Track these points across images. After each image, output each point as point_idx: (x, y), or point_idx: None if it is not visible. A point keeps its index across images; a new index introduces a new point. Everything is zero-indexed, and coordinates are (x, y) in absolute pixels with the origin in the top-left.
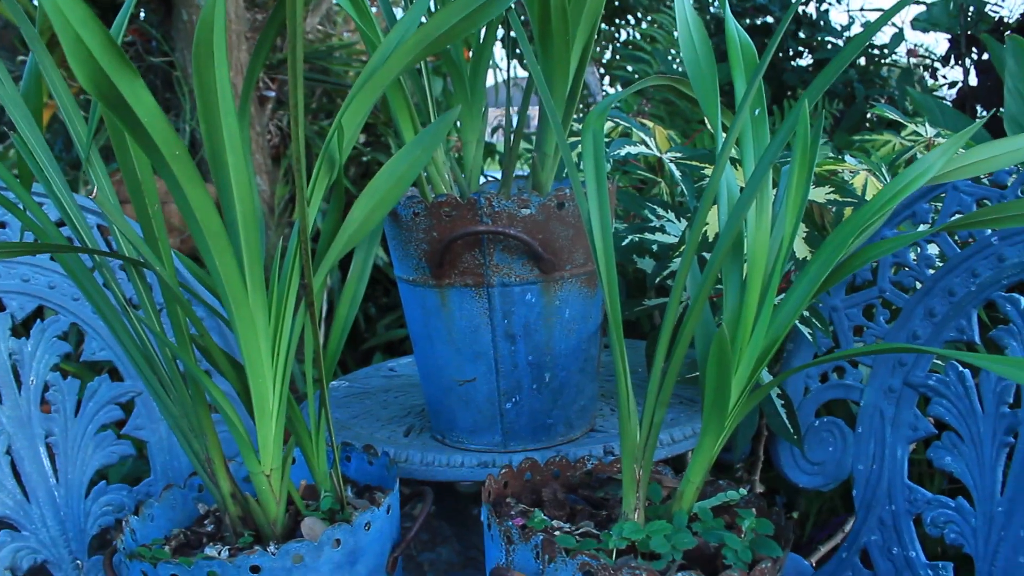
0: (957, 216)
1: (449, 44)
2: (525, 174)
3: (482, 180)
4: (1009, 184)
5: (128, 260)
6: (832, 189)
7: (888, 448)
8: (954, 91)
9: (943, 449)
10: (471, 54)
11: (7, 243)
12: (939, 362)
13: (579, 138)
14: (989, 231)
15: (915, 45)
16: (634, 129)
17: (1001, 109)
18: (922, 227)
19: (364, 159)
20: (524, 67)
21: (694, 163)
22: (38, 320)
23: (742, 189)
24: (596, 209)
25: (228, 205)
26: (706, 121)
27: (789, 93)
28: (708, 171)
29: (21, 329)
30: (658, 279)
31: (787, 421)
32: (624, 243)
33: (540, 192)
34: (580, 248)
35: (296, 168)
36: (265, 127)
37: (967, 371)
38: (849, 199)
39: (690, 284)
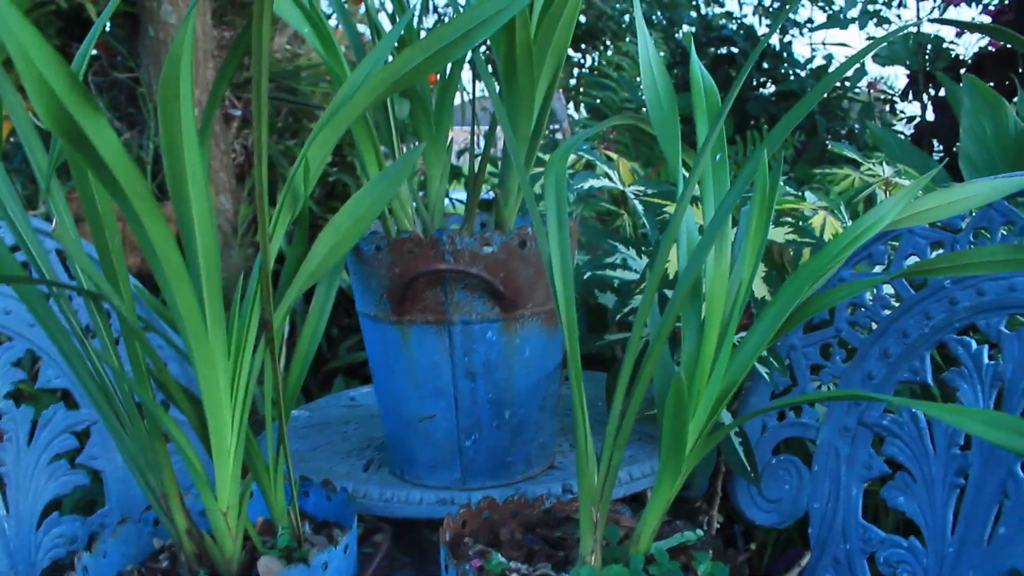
0: (912, 260)
1: (414, 81)
2: (490, 196)
3: (446, 202)
4: (963, 227)
5: (86, 293)
6: (791, 229)
7: (843, 487)
8: (912, 126)
9: (896, 489)
10: (436, 87)
11: None
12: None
13: (544, 168)
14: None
15: (876, 78)
16: (598, 162)
17: (957, 145)
18: (878, 268)
19: (330, 179)
20: (472, 98)
21: (656, 200)
22: None
23: (701, 228)
24: (557, 251)
25: (189, 240)
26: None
27: (752, 122)
28: (670, 209)
29: None
30: (618, 316)
31: (744, 459)
32: (586, 277)
33: (503, 228)
34: (541, 286)
35: (259, 206)
36: (230, 145)
37: (920, 413)
38: (807, 239)
39: (650, 323)
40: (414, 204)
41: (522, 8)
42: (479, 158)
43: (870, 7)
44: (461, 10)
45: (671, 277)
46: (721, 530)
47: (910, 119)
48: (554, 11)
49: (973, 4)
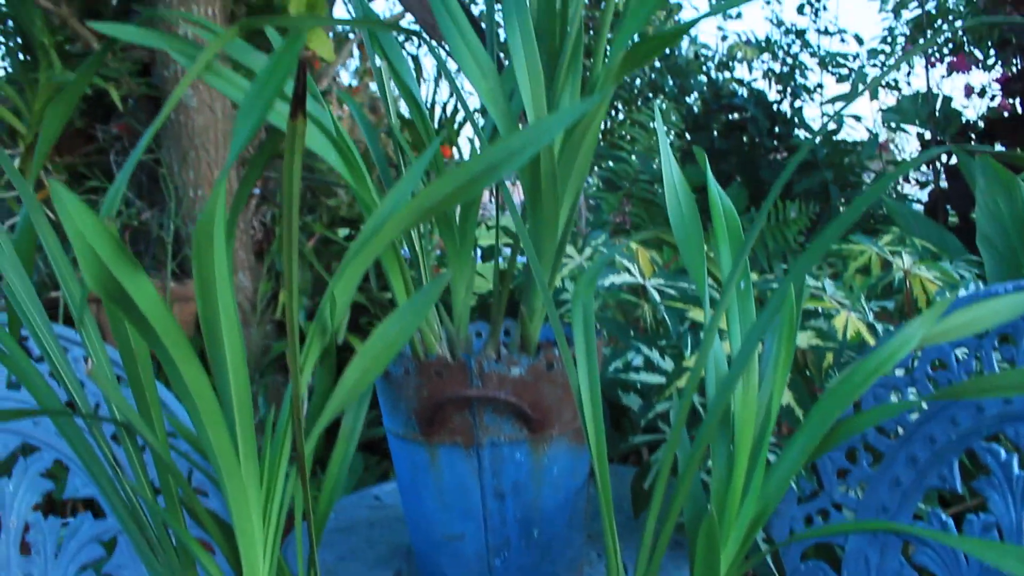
0: (935, 361)
1: (440, 212)
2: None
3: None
4: (986, 333)
5: (120, 424)
6: (814, 334)
7: None
8: (926, 192)
9: None
10: (460, 205)
11: (5, 411)
12: (923, 506)
13: (568, 260)
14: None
15: (886, 139)
16: (618, 257)
17: (972, 212)
18: (900, 371)
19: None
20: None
21: (678, 306)
22: (20, 457)
23: (722, 331)
24: (586, 381)
25: (221, 376)
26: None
27: (764, 185)
28: (691, 313)
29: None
30: (644, 421)
31: (772, 565)
32: (607, 376)
33: (528, 344)
34: (568, 406)
35: (291, 341)
36: (249, 223)
37: (950, 520)
38: (830, 344)
39: (680, 453)
40: (439, 319)
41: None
42: (500, 284)
43: (879, 72)
44: (453, 78)
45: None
46: None
47: (923, 184)
48: (576, 137)
49: (983, 70)
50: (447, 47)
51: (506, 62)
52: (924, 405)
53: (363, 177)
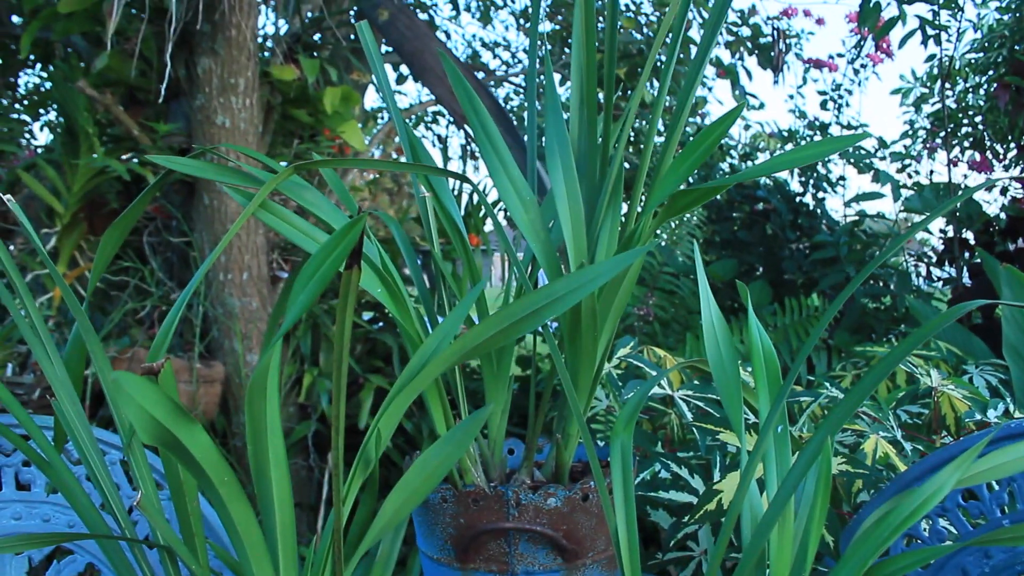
0: (967, 498)
1: (485, 351)
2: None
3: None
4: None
5: (164, 549)
6: (844, 460)
7: None
8: (949, 289)
9: None
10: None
11: (54, 534)
12: None
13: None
14: (999, 513)
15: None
16: (646, 367)
17: (996, 311)
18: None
19: (371, 337)
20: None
21: (709, 427)
22: (54, 561)
23: (750, 456)
24: (624, 524)
25: (268, 514)
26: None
27: (786, 275)
28: (723, 436)
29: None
30: (672, 542)
31: None
32: (636, 492)
33: (561, 471)
34: (602, 535)
35: (335, 474)
36: (272, 302)
37: None
38: (860, 470)
39: None
40: (477, 451)
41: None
42: (535, 417)
43: (900, 166)
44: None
45: (724, 507)
46: None
47: (946, 281)
48: (616, 278)
49: (1002, 166)
50: (487, 170)
51: (544, 178)
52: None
53: (407, 310)
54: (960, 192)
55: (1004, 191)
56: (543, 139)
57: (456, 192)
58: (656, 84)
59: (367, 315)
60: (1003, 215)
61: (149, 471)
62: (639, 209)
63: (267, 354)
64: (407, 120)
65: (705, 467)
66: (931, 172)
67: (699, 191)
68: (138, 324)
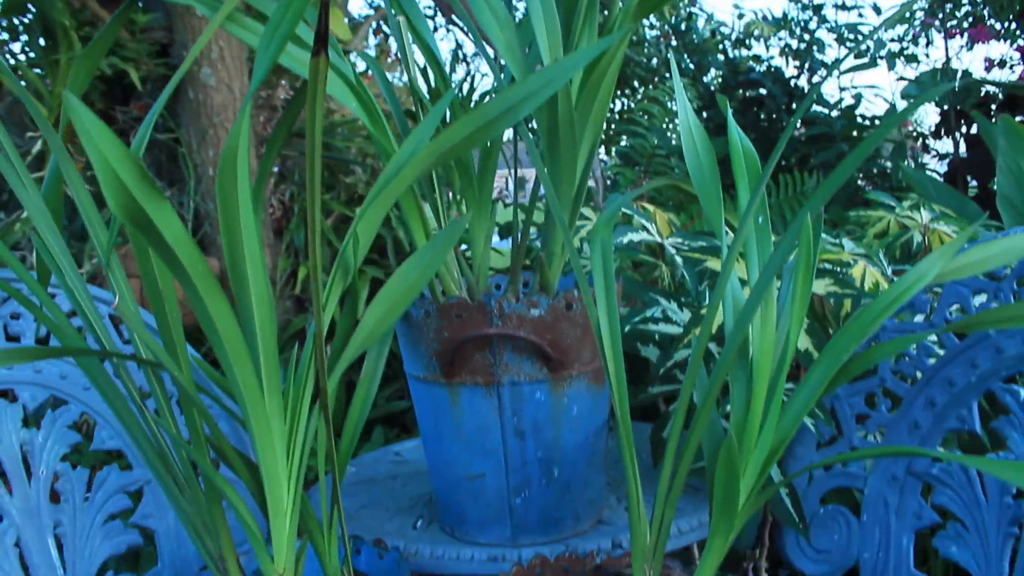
0: (955, 308)
1: (459, 155)
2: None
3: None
4: (1006, 275)
5: (146, 363)
6: (832, 281)
7: (893, 537)
8: (945, 163)
9: (948, 539)
10: (479, 153)
11: (28, 349)
12: (942, 449)
13: (586, 222)
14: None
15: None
16: (635, 215)
17: (992, 181)
18: (919, 317)
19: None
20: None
21: (695, 256)
22: (49, 410)
23: (744, 283)
24: (605, 317)
25: (247, 316)
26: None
27: (783, 163)
28: (710, 264)
29: (31, 418)
30: (661, 370)
31: (792, 509)
32: (627, 330)
33: (547, 289)
34: (588, 346)
35: (312, 277)
36: (267, 201)
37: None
38: (848, 291)
39: (697, 385)
40: (458, 266)
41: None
42: (523, 219)
43: (898, 46)
44: (490, 61)
45: (713, 332)
46: None
47: (942, 156)
48: (594, 80)
49: (1003, 41)
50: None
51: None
52: (934, 337)
53: (382, 123)
54: (960, 74)
55: (1002, 64)
56: None
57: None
58: None
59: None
60: (1000, 95)
61: (127, 282)
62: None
63: (240, 117)
64: None
65: (696, 308)
66: (928, 44)
67: None
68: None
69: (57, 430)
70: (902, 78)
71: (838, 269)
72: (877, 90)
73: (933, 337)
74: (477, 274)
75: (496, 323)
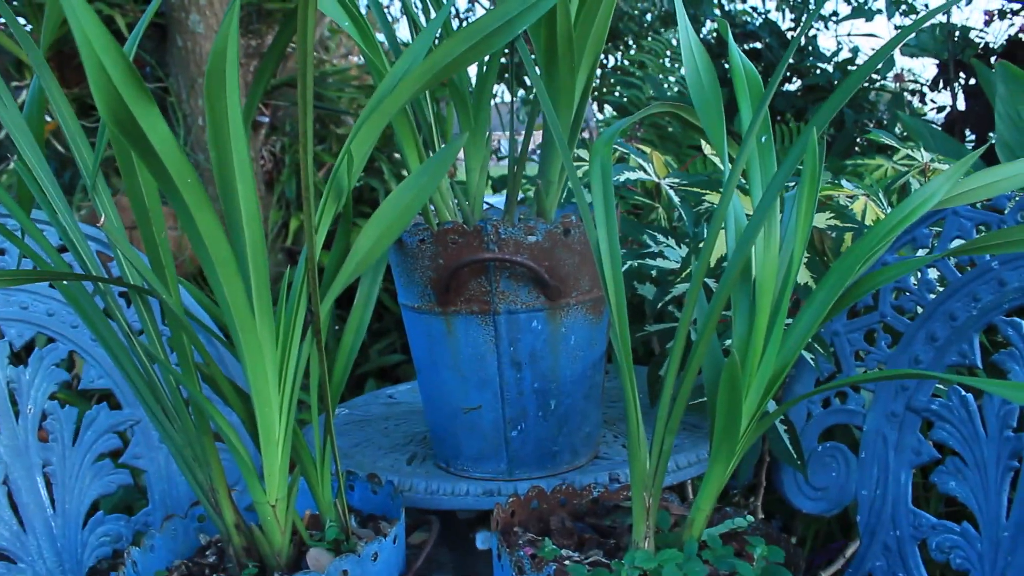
0: (958, 241)
1: (455, 72)
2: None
3: (484, 207)
4: (1007, 209)
5: (134, 288)
6: (832, 215)
7: (891, 473)
8: (942, 115)
9: (947, 474)
10: (475, 80)
11: (8, 271)
12: (941, 387)
13: (581, 163)
14: (989, 256)
15: (902, 70)
16: (632, 155)
17: (991, 133)
18: (921, 252)
19: (357, 184)
20: (515, 94)
21: (694, 189)
22: (36, 348)
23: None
24: (605, 235)
25: (236, 232)
26: (704, 147)
27: (779, 118)
28: (709, 197)
29: (18, 357)
30: (659, 305)
31: (790, 446)
32: (623, 269)
33: (545, 218)
34: (586, 275)
35: (305, 196)
36: (258, 152)
37: (970, 396)
38: (849, 224)
39: (698, 310)
40: (454, 196)
41: None
42: (520, 146)
43: None
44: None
45: (711, 265)
46: None
47: (940, 109)
48: (591, 5)
49: None
50: None
51: None
52: (936, 273)
53: (374, 42)
54: (959, 27)
55: (1002, 15)
56: None
57: None
58: None
59: None
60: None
61: (113, 204)
62: None
63: (228, 19)
64: None
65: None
66: None
67: None
68: (117, 174)
69: (45, 368)
70: (900, 28)
71: (840, 202)
72: (876, 39)
73: (934, 273)
74: (472, 204)
75: (492, 248)
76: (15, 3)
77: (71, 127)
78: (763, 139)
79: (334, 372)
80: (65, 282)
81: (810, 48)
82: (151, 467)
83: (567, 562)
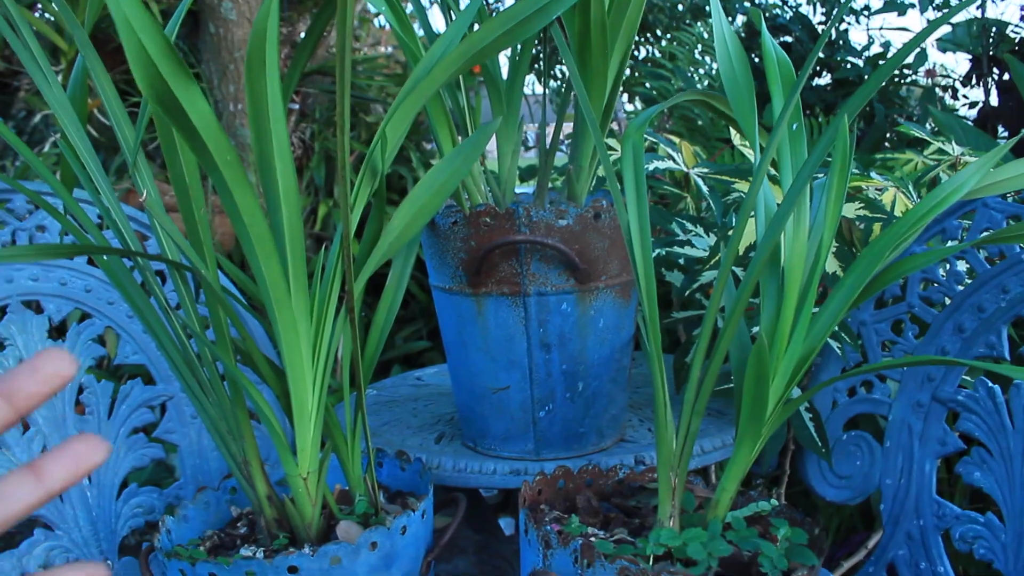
0: (988, 232)
1: (489, 56)
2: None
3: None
4: None
5: (172, 263)
6: (862, 205)
7: (916, 463)
8: (975, 111)
9: (972, 465)
10: (508, 67)
11: (52, 245)
12: (968, 378)
13: (612, 152)
14: (1019, 248)
15: (934, 64)
16: (661, 144)
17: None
18: (951, 243)
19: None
20: (546, 85)
21: (723, 178)
22: (75, 323)
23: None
24: (636, 220)
25: (274, 209)
26: (733, 138)
27: (808, 112)
28: (738, 186)
29: (57, 331)
30: (686, 292)
31: (815, 434)
32: (652, 256)
33: (576, 201)
34: (615, 259)
35: (341, 174)
36: (288, 139)
37: (997, 387)
38: (879, 215)
39: (725, 296)
40: (486, 180)
41: None
42: (552, 133)
43: None
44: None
45: (740, 253)
46: None
47: (972, 104)
48: None
49: None
50: None
51: None
52: (965, 264)
53: (410, 29)
54: (994, 22)
55: None
56: None
57: None
58: None
59: None
60: None
61: (152, 179)
62: None
63: (265, 7)
64: None
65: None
66: None
67: None
68: (150, 159)
69: (82, 343)
70: (938, 39)
71: (869, 192)
72: (909, 32)
73: (964, 265)
74: (504, 188)
75: (524, 231)
76: None
77: (114, 105)
78: (794, 126)
79: (366, 349)
80: (105, 257)
81: (841, 42)
82: (183, 441)
83: (592, 538)
